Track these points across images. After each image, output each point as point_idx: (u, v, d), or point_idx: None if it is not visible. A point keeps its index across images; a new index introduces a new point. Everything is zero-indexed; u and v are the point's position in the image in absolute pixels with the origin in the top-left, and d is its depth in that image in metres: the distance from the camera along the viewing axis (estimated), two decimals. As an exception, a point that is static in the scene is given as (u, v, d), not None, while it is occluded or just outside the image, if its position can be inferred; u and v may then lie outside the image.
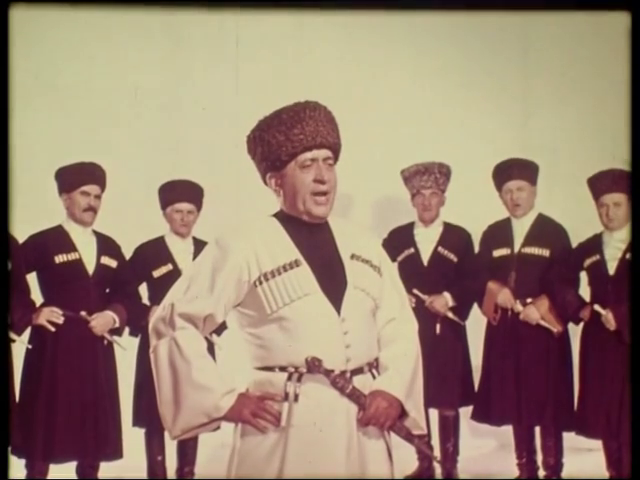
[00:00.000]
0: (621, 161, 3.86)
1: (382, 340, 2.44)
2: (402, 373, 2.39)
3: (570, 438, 4.44)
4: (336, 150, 2.40)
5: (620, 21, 3.47)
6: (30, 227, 4.18)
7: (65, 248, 4.16)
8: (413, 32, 5.48)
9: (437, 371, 4.20)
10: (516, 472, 4.57)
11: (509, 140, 5.38)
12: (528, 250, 4.46)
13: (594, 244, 4.28)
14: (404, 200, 4.77)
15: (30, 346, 4.08)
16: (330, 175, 2.36)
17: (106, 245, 4.28)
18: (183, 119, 5.49)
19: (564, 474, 4.47)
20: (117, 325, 4.21)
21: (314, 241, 2.40)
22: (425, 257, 4.60)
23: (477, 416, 4.56)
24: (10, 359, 3.91)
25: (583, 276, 4.38)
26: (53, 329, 4.07)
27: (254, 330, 2.36)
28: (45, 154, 4.90)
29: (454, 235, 4.63)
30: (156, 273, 4.41)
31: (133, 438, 4.34)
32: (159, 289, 3.99)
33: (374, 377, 2.38)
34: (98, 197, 4.22)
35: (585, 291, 4.37)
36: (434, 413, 4.56)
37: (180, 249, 4.46)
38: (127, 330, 4.35)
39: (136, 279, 4.43)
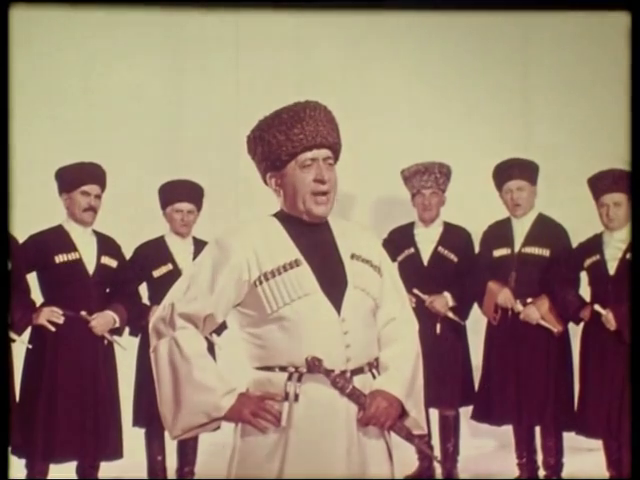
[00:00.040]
0: (621, 161, 3.86)
1: (382, 340, 2.43)
2: (402, 373, 2.39)
3: (570, 438, 4.44)
4: (336, 150, 2.40)
5: (620, 21, 3.47)
6: (30, 227, 4.18)
7: (65, 248, 4.16)
8: (413, 32, 5.48)
9: (437, 371, 4.20)
10: (516, 472, 4.57)
11: (509, 140, 5.38)
12: (528, 250, 4.46)
13: (594, 244, 4.28)
14: (404, 200, 4.77)
15: (30, 346, 4.08)
16: (330, 175, 2.36)
17: (106, 245, 4.28)
18: (183, 119, 5.50)
19: (564, 474, 4.47)
20: (117, 325, 4.21)
21: (314, 241, 2.40)
22: (425, 257, 4.60)
23: (477, 416, 4.56)
24: (10, 359, 3.91)
25: (583, 276, 4.38)
26: (53, 329, 4.07)
27: (254, 330, 2.35)
28: (45, 154, 4.90)
29: (454, 235, 4.63)
30: (156, 273, 4.41)
31: (133, 438, 4.34)
32: (159, 289, 3.99)
33: (374, 377, 2.38)
34: (98, 197, 4.22)
35: (585, 291, 4.37)
36: (434, 413, 4.56)
37: (180, 249, 4.46)
38: (127, 330, 4.35)
39: (136, 279, 4.43)
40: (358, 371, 2.34)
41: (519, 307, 4.41)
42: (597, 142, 5.21)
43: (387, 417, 2.32)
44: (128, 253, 4.43)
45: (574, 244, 4.43)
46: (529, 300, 4.41)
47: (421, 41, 5.56)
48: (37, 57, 5.12)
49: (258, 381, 2.34)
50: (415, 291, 4.44)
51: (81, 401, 4.08)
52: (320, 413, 2.30)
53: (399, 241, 4.64)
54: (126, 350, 4.30)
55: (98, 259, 4.22)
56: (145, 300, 4.50)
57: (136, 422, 4.39)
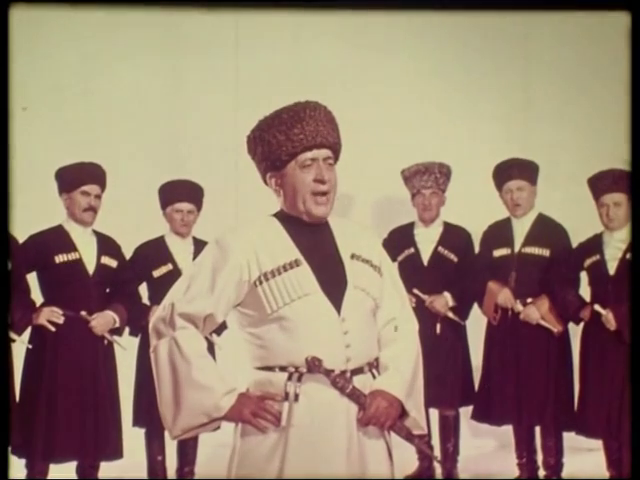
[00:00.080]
0: (621, 161, 3.86)
1: (382, 340, 2.43)
2: (402, 373, 2.39)
3: (570, 438, 4.44)
4: (336, 150, 2.40)
5: (620, 21, 3.47)
6: (30, 227, 4.18)
7: (65, 248, 4.16)
8: (413, 32, 5.48)
9: (437, 371, 4.20)
10: (516, 472, 4.57)
11: (509, 140, 5.38)
12: (528, 250, 4.46)
13: (594, 244, 4.28)
14: (404, 200, 4.77)
15: (30, 346, 4.08)
16: (330, 175, 2.36)
17: (106, 245, 4.28)
18: (183, 119, 5.49)
19: (564, 474, 4.47)
20: (117, 325, 4.21)
21: (314, 241, 2.40)
22: (425, 257, 4.60)
23: (477, 416, 4.56)
24: (10, 359, 3.91)
25: (583, 276, 4.38)
26: (53, 329, 4.07)
27: (254, 330, 2.35)
28: (45, 154, 4.90)
29: (454, 235, 4.63)
30: (156, 273, 4.41)
31: (133, 438, 4.34)
32: (159, 289, 3.99)
33: (374, 377, 2.38)
34: (98, 197, 4.22)
35: (585, 291, 4.37)
36: (434, 413, 4.56)
37: (180, 249, 4.46)
38: (127, 330, 4.35)
39: (136, 279, 4.43)
40: (358, 371, 2.34)
41: (519, 307, 4.41)
42: (597, 142, 5.21)
43: (387, 417, 2.32)
44: (128, 253, 4.43)
45: (574, 244, 4.43)
46: (529, 300, 4.41)
47: (421, 41, 5.56)
48: (37, 57, 5.12)
49: (258, 381, 2.34)
50: (415, 291, 4.44)
51: (81, 401, 4.08)
52: (320, 413, 2.30)
53: (399, 241, 4.64)
54: (126, 350, 4.30)
55: (98, 259, 4.22)
56: (145, 300, 4.49)
57: (136, 422, 4.39)
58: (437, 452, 4.56)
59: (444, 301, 4.49)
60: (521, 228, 4.51)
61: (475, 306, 4.59)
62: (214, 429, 2.39)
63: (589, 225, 4.34)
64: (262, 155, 2.38)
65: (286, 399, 2.29)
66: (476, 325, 4.62)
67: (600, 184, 4.23)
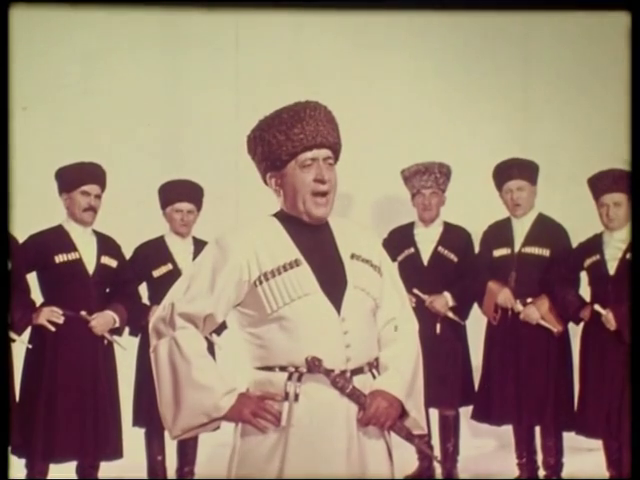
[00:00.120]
0: (621, 161, 3.86)
1: (382, 340, 2.43)
2: (402, 373, 2.39)
3: (570, 438, 4.44)
4: (336, 150, 2.40)
5: (620, 21, 3.47)
6: (30, 227, 4.18)
7: (65, 248, 4.16)
8: (413, 32, 5.48)
9: (437, 371, 4.20)
10: (516, 472, 4.57)
11: (509, 140, 5.38)
12: (528, 250, 4.46)
13: (594, 244, 4.28)
14: (404, 200, 4.77)
15: (30, 346, 4.08)
16: (330, 175, 2.36)
17: (106, 245, 4.28)
18: (183, 119, 5.49)
19: (564, 474, 4.47)
20: (117, 325, 4.21)
21: (314, 241, 2.40)
22: (425, 257, 4.60)
23: (477, 416, 4.56)
24: (10, 359, 3.91)
25: (583, 276, 4.38)
26: (53, 329, 4.07)
27: (254, 330, 2.35)
28: (45, 154, 4.90)
29: (454, 235, 4.63)
30: (156, 273, 4.41)
31: (133, 438, 4.34)
32: (159, 289, 3.99)
33: (374, 377, 2.38)
34: (98, 197, 4.22)
35: (585, 291, 4.37)
36: (434, 413, 4.56)
37: (180, 249, 4.46)
38: (127, 330, 4.35)
39: (136, 279, 4.43)
40: (358, 371, 2.34)
41: (519, 307, 4.41)
42: (597, 142, 5.21)
43: (387, 417, 2.32)
44: (128, 253, 4.43)
45: (574, 244, 4.43)
46: (529, 300, 4.41)
47: (421, 41, 5.56)
48: (37, 57, 5.12)
49: (258, 381, 2.34)
50: (415, 291, 4.44)
51: (81, 401, 4.08)
52: (320, 413, 2.30)
53: (399, 241, 4.64)
54: (126, 350, 4.30)
55: (98, 259, 4.22)
56: (145, 300, 4.49)
57: (136, 422, 4.39)
58: (437, 452, 4.56)
59: (444, 301, 4.49)
60: (521, 228, 4.51)
61: (475, 306, 4.59)
62: (214, 429, 2.39)
63: (589, 225, 4.34)
64: (262, 155, 2.38)
65: (286, 399, 2.29)
66: (476, 325, 4.62)
67: (600, 184, 4.23)
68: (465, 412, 4.65)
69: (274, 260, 2.34)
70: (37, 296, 4.17)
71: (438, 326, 4.48)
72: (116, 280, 4.28)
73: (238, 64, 5.45)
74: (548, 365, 4.39)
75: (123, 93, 5.33)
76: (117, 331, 4.24)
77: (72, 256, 4.16)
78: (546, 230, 4.49)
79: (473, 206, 5.02)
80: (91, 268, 4.19)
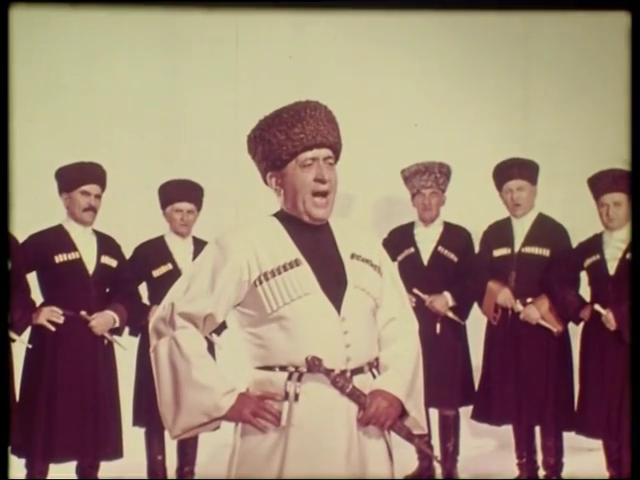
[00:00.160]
0: (621, 161, 3.86)
1: (382, 340, 2.44)
2: (402, 373, 2.39)
3: (570, 438, 4.44)
4: (337, 150, 2.40)
5: (620, 21, 3.47)
6: (30, 227, 4.18)
7: (65, 248, 4.16)
8: (413, 32, 5.48)
9: (437, 371, 4.19)
10: (516, 472, 4.57)
11: (509, 140, 5.38)
12: (528, 250, 4.46)
13: (594, 244, 4.29)
14: (404, 200, 4.77)
15: (30, 346, 4.08)
16: (331, 174, 2.36)
17: (106, 245, 4.28)
18: (183, 119, 5.49)
19: (564, 474, 4.47)
20: (117, 325, 4.21)
21: (314, 240, 2.40)
22: (425, 257, 4.60)
23: (477, 416, 4.56)
24: (10, 359, 3.91)
25: (583, 276, 4.38)
26: (53, 329, 4.07)
27: (254, 329, 2.36)
28: (45, 154, 4.90)
29: (454, 235, 4.63)
30: (156, 273, 4.41)
31: (133, 438, 4.34)
32: (159, 289, 3.99)
33: (374, 377, 2.38)
34: (98, 197, 4.23)
35: (585, 291, 4.37)
36: (434, 413, 4.56)
37: (180, 249, 4.46)
38: (127, 330, 4.35)
39: (136, 279, 4.43)
40: (358, 371, 2.34)
41: (519, 307, 4.41)
42: (597, 142, 5.21)
43: (387, 417, 2.32)
44: (128, 253, 4.43)
45: (574, 244, 4.43)
46: (529, 300, 4.41)
47: (421, 41, 5.55)
48: (37, 57, 5.12)
49: (258, 381, 2.34)
50: (415, 291, 4.44)
51: (81, 401, 4.08)
52: (320, 413, 2.30)
53: (399, 241, 4.64)
54: (126, 350, 4.30)
55: (98, 259, 4.22)
56: (145, 300, 4.50)
57: (136, 422, 4.39)
58: (437, 452, 4.56)
59: (444, 301, 4.48)
60: (521, 228, 4.51)
61: (475, 306, 4.59)
62: (214, 429, 2.39)
63: (589, 225, 4.34)
64: (262, 154, 2.38)
65: (286, 399, 2.29)
66: (476, 325, 4.62)
67: (600, 184, 4.23)
68: (465, 412, 4.65)
69: (274, 260, 2.34)
70: (37, 296, 4.18)
71: (438, 326, 4.48)
72: (116, 280, 4.28)
73: (238, 64, 5.45)
74: (548, 365, 4.39)
75: (123, 93, 5.33)
76: (117, 331, 4.24)
77: (72, 256, 4.16)
78: (546, 230, 4.49)
79: (473, 206, 5.02)
80: (91, 268, 4.19)
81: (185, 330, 2.33)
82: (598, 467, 4.35)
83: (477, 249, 4.67)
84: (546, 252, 4.44)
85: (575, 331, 4.42)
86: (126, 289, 4.31)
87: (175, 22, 5.32)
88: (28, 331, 4.11)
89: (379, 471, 2.36)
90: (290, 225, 2.40)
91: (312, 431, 2.29)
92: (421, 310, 4.26)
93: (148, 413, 4.13)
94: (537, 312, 4.37)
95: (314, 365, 2.28)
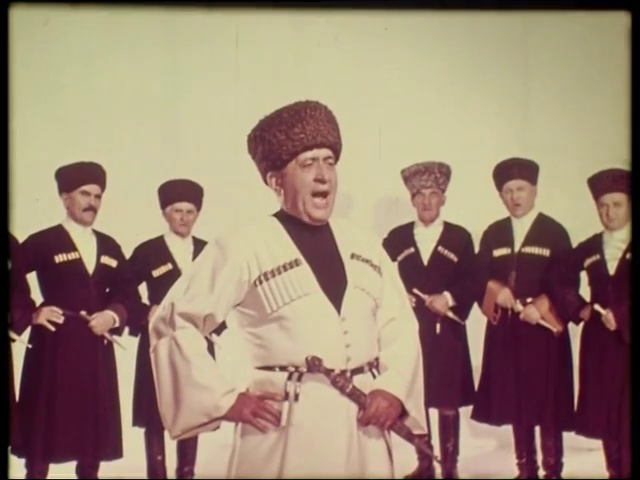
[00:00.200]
0: (621, 161, 3.86)
1: (382, 340, 2.44)
2: (402, 373, 2.39)
3: (570, 438, 4.44)
4: (337, 150, 2.40)
5: (620, 21, 3.47)
6: (30, 227, 4.18)
7: (65, 248, 4.16)
8: (413, 32, 5.48)
9: (437, 371, 4.20)
10: (516, 472, 4.57)
11: (509, 140, 5.38)
12: (528, 250, 4.46)
13: (594, 244, 4.29)
14: (404, 200, 4.77)
15: (30, 346, 4.08)
16: (331, 174, 2.36)
17: (106, 245, 4.28)
18: (183, 119, 5.49)
19: (564, 474, 4.47)
20: (117, 325, 4.21)
21: (314, 240, 2.40)
22: (425, 257, 4.60)
23: (477, 416, 4.56)
24: (10, 359, 3.91)
25: (583, 276, 4.38)
26: (53, 329, 4.07)
27: (254, 329, 2.35)
28: (45, 154, 4.90)
29: (454, 235, 4.63)
30: (156, 273, 4.41)
31: (133, 438, 4.34)
32: (159, 289, 3.99)
33: (374, 376, 2.38)
34: (98, 197, 4.23)
35: (585, 291, 4.37)
36: (434, 413, 4.56)
37: (180, 249, 4.46)
38: (127, 330, 4.35)
39: (136, 279, 4.43)
40: (358, 371, 2.34)
41: (519, 307, 4.41)
42: (597, 142, 5.21)
43: (387, 417, 2.32)
44: (128, 253, 4.43)
45: (574, 244, 4.43)
46: (529, 300, 4.41)
47: (421, 41, 5.55)
48: (37, 57, 5.12)
49: (258, 381, 2.34)
50: (415, 291, 4.44)
51: (81, 401, 4.08)
52: (320, 413, 2.30)
53: (399, 241, 4.64)
54: (126, 350, 4.30)
55: (98, 259, 4.22)
56: (145, 300, 4.49)
57: (136, 422, 4.39)
58: (437, 452, 4.56)
59: (444, 301, 4.48)
60: (521, 228, 4.51)
61: (475, 306, 4.59)
62: (214, 429, 2.39)
63: (589, 225, 4.34)
64: (262, 154, 2.38)
65: (286, 399, 2.29)
66: (476, 325, 4.62)
67: (600, 184, 4.23)
68: (465, 412, 4.65)
69: (274, 260, 2.34)
70: (37, 296, 4.17)
71: (438, 326, 4.48)
72: (116, 280, 4.28)
73: (238, 64, 5.45)
74: (548, 365, 4.39)
75: (123, 93, 5.33)
76: (117, 331, 4.24)
77: (72, 256, 4.16)
78: (546, 230, 4.49)
79: (473, 206, 5.02)
80: (91, 268, 4.19)
81: (185, 330, 2.33)
82: (598, 467, 4.35)
83: (477, 249, 4.67)
84: (546, 252, 4.44)
85: (575, 331, 4.42)
86: (126, 289, 4.31)
87: (175, 22, 5.32)
88: (28, 331, 4.11)
89: (379, 471, 2.36)
90: (290, 225, 2.40)
91: (312, 431, 2.29)
92: (421, 310, 4.26)
93: (148, 413, 4.13)
94: (537, 312, 4.37)
95: (314, 365, 2.28)
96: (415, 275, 4.46)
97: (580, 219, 4.50)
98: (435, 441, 4.60)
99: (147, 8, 4.79)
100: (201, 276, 2.35)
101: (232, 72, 5.46)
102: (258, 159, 2.41)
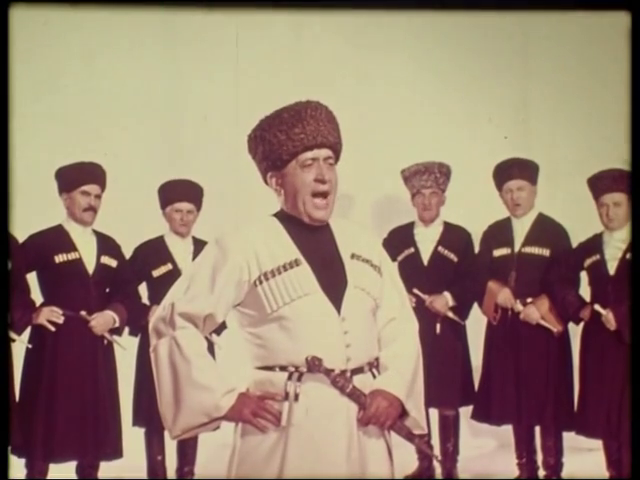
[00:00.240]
0: (621, 161, 3.86)
1: (382, 340, 2.44)
2: (402, 373, 2.39)
3: (570, 438, 4.44)
4: (337, 150, 2.40)
5: (620, 21, 3.47)
6: (30, 227, 4.18)
7: (65, 248, 4.16)
8: (413, 32, 5.48)
9: (437, 371, 4.20)
10: (516, 472, 4.57)
11: (509, 140, 5.38)
12: (528, 250, 4.46)
13: (594, 244, 4.29)
14: (404, 200, 4.77)
15: (30, 346, 4.08)
16: (331, 175, 2.36)
17: (106, 245, 4.28)
18: (183, 119, 5.50)
19: (564, 474, 4.47)
20: (117, 325, 4.21)
21: (314, 241, 2.40)
22: (425, 257, 4.60)
23: (477, 416, 4.56)
24: (10, 359, 3.91)
25: (583, 276, 4.38)
26: (53, 329, 4.07)
27: (254, 329, 2.36)
28: (45, 154, 4.90)
29: (454, 235, 4.63)
30: (156, 273, 4.41)
31: (133, 438, 4.34)
32: (159, 289, 3.99)
33: (374, 376, 2.38)
34: (98, 197, 4.23)
35: (585, 291, 4.37)
36: (434, 413, 4.56)
37: (180, 249, 4.46)
38: (127, 330, 4.35)
39: (136, 279, 4.43)
40: (358, 371, 2.34)
41: (519, 307, 4.41)
42: (597, 142, 5.20)
43: (387, 417, 2.32)
44: (128, 253, 4.44)
45: (574, 244, 4.43)
46: (529, 300, 4.41)
47: (421, 41, 5.56)
48: (37, 57, 5.12)
49: (258, 381, 2.34)
50: (415, 291, 4.44)
51: (81, 401, 4.08)
52: (320, 413, 2.30)
53: (399, 241, 4.64)
54: (126, 350, 4.30)
55: (98, 259, 4.22)
56: (145, 300, 4.49)
57: (136, 422, 4.39)
58: (437, 452, 4.56)
59: (444, 301, 4.48)
60: (521, 228, 4.51)
61: (475, 306, 4.59)
62: (214, 429, 2.39)
63: (589, 225, 4.34)
64: (263, 154, 2.38)
65: (286, 399, 2.29)
66: (476, 325, 4.62)
67: (600, 184, 4.23)
68: (465, 412, 4.65)
69: (274, 260, 2.34)
70: (37, 296, 4.17)
71: (438, 326, 4.48)
72: (116, 280, 4.28)
73: (238, 64, 5.45)
74: (548, 365, 4.39)
75: (123, 93, 5.33)
76: (117, 331, 4.24)
77: (72, 256, 4.16)
78: (546, 230, 4.49)
79: (473, 206, 5.02)
80: (91, 268, 4.19)
81: (185, 330, 2.33)
82: (598, 467, 4.35)
83: (477, 249, 4.67)
84: (546, 252, 4.44)
85: (575, 331, 4.42)
86: (126, 289, 4.32)
87: (175, 22, 5.32)
88: (28, 331, 4.11)
89: (379, 471, 2.36)
90: (290, 225, 2.40)
91: (312, 431, 2.29)
92: (421, 310, 4.27)
93: (148, 413, 4.13)
94: (537, 312, 4.37)
95: (314, 365, 2.28)
96: (415, 275, 4.46)
97: (580, 219, 4.50)
98: (435, 441, 4.60)
99: (147, 8, 4.79)
100: (201, 276, 2.35)
101: (232, 72, 5.46)
102: (258, 159, 2.41)
